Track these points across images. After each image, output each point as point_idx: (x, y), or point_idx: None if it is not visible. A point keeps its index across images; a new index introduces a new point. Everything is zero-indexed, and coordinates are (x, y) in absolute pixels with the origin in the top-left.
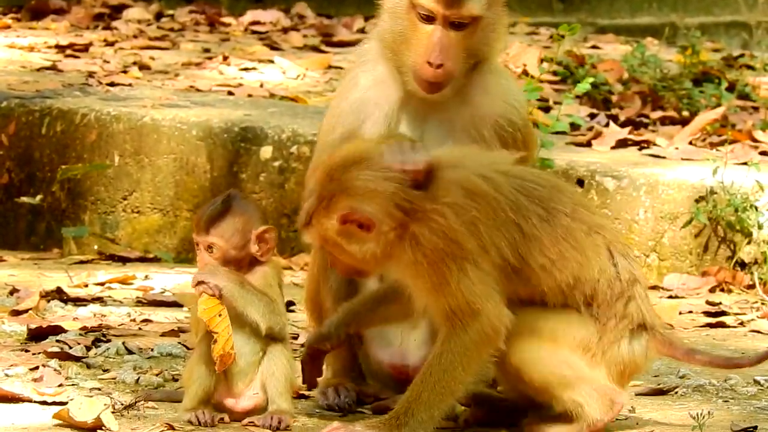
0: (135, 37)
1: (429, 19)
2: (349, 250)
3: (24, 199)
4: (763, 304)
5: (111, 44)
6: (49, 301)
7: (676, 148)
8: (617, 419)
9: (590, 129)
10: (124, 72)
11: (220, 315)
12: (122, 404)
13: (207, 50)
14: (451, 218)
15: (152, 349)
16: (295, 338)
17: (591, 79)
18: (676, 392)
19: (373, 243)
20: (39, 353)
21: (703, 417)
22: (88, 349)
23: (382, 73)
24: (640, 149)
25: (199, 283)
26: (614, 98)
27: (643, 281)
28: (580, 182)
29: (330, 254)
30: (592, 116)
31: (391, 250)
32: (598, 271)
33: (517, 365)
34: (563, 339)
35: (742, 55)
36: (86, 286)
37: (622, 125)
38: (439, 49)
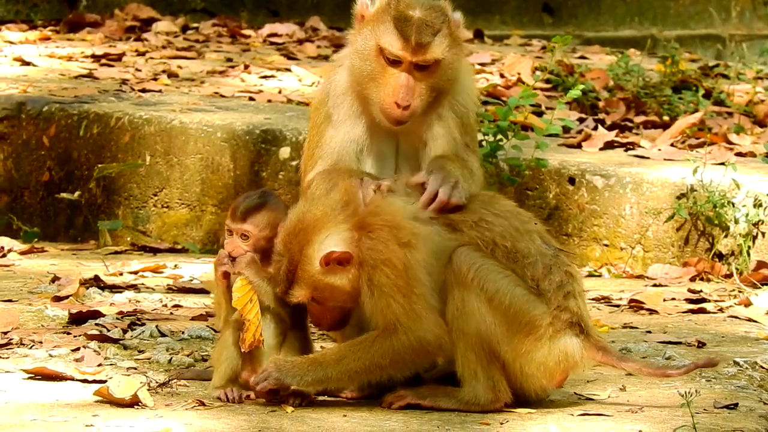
0: (164, 47)
1: (396, 62)
2: (339, 288)
3: (63, 195)
4: (740, 292)
5: (142, 54)
6: (87, 288)
7: (659, 150)
8: (610, 396)
9: (580, 132)
10: (155, 79)
11: (251, 301)
12: (157, 382)
13: (229, 60)
14: (392, 234)
15: (183, 332)
16: None
17: (582, 87)
18: None
19: (354, 272)
20: (80, 336)
21: (690, 395)
22: (125, 332)
23: (352, 106)
24: (625, 150)
25: (219, 264)
26: (601, 104)
27: (579, 279)
28: (572, 180)
29: (316, 307)
30: (581, 120)
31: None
32: (535, 251)
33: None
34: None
35: (717, 65)
36: (121, 274)
37: (609, 128)
38: (405, 91)
